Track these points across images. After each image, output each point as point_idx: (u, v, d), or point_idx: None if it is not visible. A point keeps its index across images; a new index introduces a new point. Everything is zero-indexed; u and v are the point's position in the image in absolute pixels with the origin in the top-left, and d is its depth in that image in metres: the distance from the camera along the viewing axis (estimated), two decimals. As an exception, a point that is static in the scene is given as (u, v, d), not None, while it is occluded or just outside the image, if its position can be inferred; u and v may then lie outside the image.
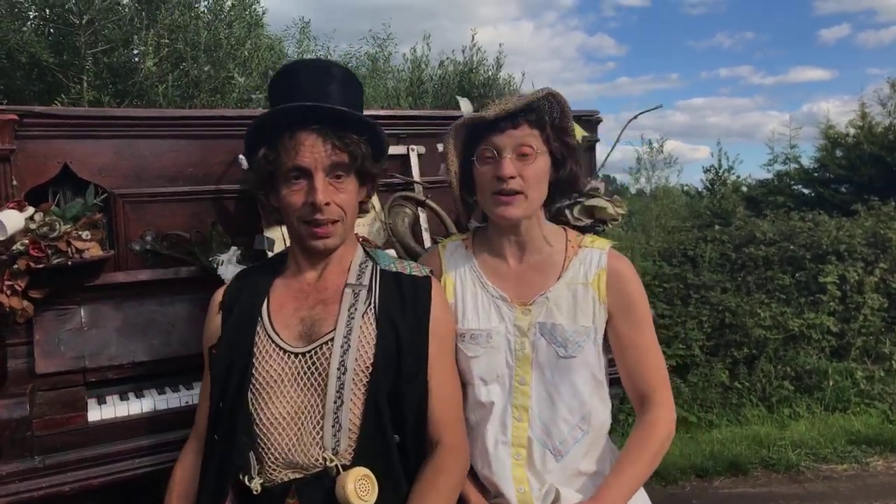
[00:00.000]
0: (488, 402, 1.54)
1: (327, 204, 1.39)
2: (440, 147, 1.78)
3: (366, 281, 1.50)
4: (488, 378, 1.54)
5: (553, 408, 1.52)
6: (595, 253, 1.58)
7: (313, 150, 1.38)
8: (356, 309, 1.44)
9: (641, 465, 1.49)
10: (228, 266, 1.93)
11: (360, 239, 1.63)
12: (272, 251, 1.93)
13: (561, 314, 1.53)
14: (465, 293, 1.59)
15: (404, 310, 1.47)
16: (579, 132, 1.57)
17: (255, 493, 1.37)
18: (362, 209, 1.56)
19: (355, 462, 1.36)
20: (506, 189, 1.48)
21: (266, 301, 1.48)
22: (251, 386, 1.41)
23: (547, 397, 1.53)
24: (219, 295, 1.56)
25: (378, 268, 1.53)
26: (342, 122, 1.40)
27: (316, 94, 1.41)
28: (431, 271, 1.58)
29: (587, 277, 1.55)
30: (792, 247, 5.54)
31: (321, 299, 1.47)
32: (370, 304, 1.46)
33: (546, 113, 1.51)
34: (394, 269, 1.53)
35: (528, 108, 1.49)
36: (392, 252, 1.99)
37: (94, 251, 1.79)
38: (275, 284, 1.52)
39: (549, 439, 1.52)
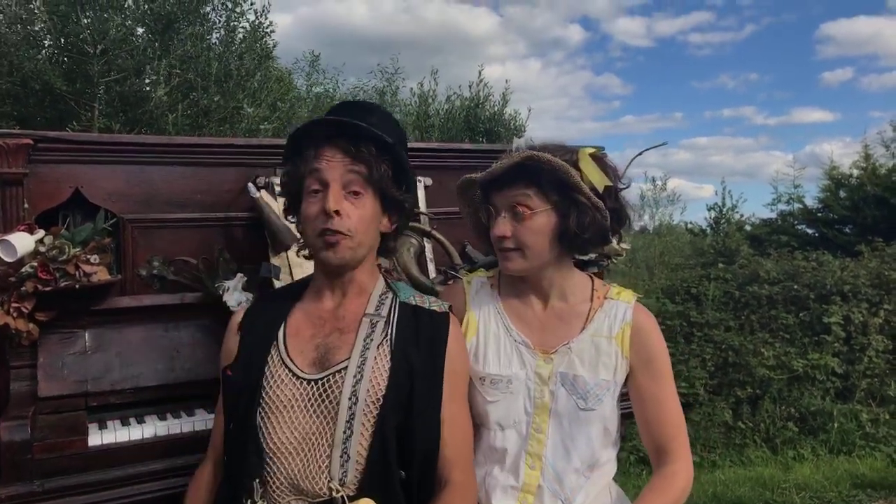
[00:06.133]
0: (502, 448, 1.52)
1: (337, 212, 1.39)
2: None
3: (384, 312, 1.49)
4: (505, 424, 1.53)
5: (567, 457, 1.51)
6: (621, 306, 1.57)
7: (331, 162, 1.41)
8: (372, 340, 1.44)
9: None
10: (234, 293, 1.92)
11: (383, 270, 1.63)
12: (278, 278, 1.94)
13: (583, 366, 1.53)
14: (489, 335, 1.58)
15: (419, 344, 1.46)
16: (599, 179, 1.49)
17: None
18: (389, 248, 1.56)
19: (359, 493, 1.35)
20: (502, 247, 1.51)
21: (283, 325, 1.48)
22: (260, 409, 1.40)
23: (562, 447, 1.51)
24: (238, 316, 1.55)
25: (398, 300, 1.52)
26: (364, 139, 1.42)
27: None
28: (451, 307, 1.56)
29: (611, 331, 1.54)
30: (796, 286, 5.53)
31: (338, 327, 1.47)
32: (387, 335, 1.45)
33: (542, 171, 1.46)
34: (413, 303, 1.52)
35: (517, 169, 1.47)
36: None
37: (101, 275, 1.79)
38: (294, 309, 1.52)
39: (560, 488, 1.50)
